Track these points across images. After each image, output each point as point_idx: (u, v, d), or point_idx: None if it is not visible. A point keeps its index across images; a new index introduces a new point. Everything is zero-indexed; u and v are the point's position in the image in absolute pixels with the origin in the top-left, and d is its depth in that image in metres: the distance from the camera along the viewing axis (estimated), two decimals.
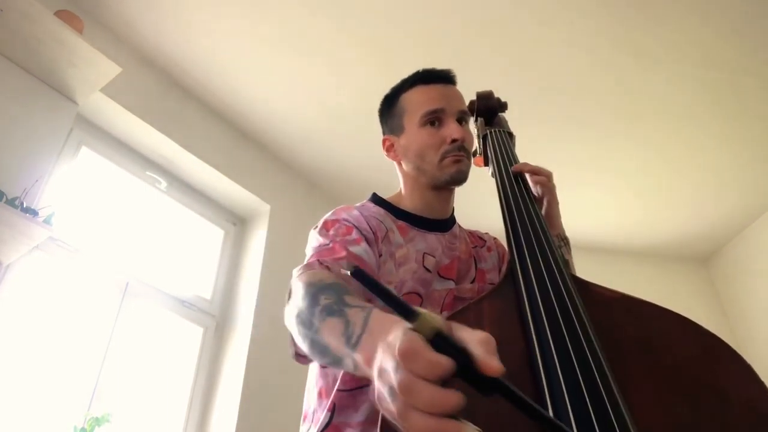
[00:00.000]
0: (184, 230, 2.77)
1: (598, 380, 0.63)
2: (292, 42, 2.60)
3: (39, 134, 2.05)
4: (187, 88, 2.81)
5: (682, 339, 0.74)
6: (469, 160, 1.14)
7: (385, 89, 1.25)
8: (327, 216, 1.07)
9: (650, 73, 2.63)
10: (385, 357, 0.46)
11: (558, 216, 1.15)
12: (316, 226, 1.05)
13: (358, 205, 1.14)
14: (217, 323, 2.65)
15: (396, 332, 0.46)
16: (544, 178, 1.12)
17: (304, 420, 1.01)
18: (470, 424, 0.41)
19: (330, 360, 0.68)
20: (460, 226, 1.23)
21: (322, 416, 0.93)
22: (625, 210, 3.39)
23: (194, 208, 2.85)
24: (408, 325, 0.45)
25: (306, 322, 0.72)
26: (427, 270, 1.05)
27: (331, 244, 0.96)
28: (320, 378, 0.99)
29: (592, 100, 2.79)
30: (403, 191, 1.19)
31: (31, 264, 2.05)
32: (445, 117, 1.12)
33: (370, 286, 0.46)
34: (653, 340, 0.74)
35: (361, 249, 0.96)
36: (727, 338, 0.76)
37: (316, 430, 0.93)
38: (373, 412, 0.89)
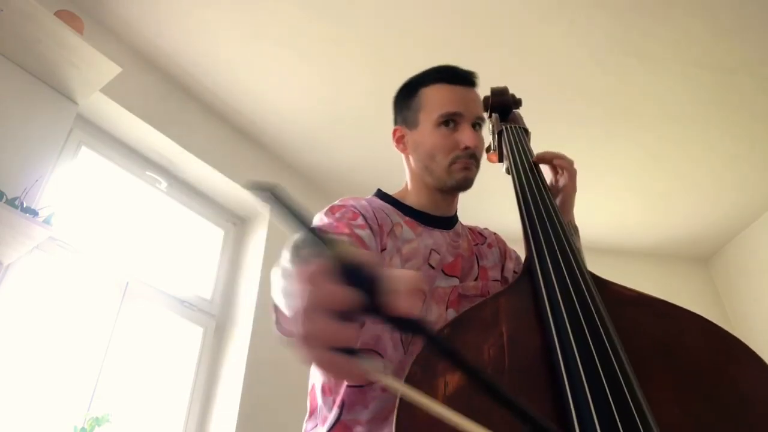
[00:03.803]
0: (184, 230, 2.76)
1: (620, 376, 0.62)
2: (292, 42, 2.59)
3: (39, 134, 2.04)
4: (187, 88, 2.81)
5: (699, 338, 0.74)
6: (477, 168, 1.14)
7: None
8: (335, 202, 1.06)
9: (650, 73, 2.63)
10: (299, 281, 0.44)
11: (572, 204, 1.16)
12: (323, 210, 1.03)
13: (366, 197, 1.13)
14: (217, 323, 2.65)
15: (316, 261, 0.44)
16: (567, 163, 1.13)
17: (309, 417, 0.99)
18: (370, 360, 0.39)
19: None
20: (461, 224, 1.22)
21: (330, 413, 0.92)
22: (626, 210, 3.39)
23: (194, 208, 2.84)
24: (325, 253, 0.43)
25: (285, 273, 0.71)
26: (431, 267, 1.04)
27: (335, 223, 0.95)
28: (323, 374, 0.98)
29: (591, 100, 2.79)
30: (408, 185, 1.19)
31: (31, 264, 2.04)
32: (461, 121, 1.11)
33: (286, 206, 0.43)
34: (671, 338, 0.74)
35: (365, 233, 0.95)
36: None
37: (325, 428, 0.91)
38: (382, 409, 0.89)
